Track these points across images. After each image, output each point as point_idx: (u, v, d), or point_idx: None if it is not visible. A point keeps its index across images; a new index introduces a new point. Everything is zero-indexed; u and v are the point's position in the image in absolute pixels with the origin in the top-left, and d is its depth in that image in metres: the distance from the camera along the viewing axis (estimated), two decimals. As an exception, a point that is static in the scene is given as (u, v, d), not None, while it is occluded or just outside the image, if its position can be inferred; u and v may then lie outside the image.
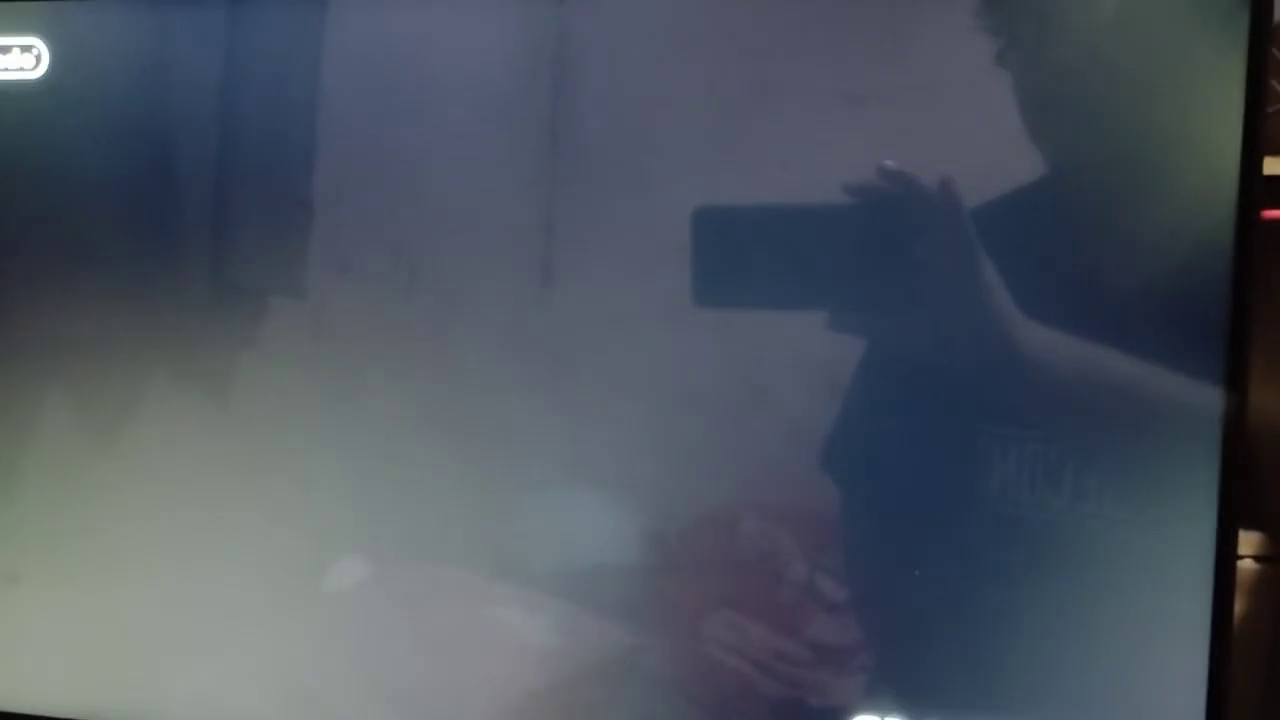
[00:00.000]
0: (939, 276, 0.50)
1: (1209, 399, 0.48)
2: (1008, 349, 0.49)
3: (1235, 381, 0.48)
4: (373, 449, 0.56)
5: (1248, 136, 0.47)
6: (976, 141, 0.50)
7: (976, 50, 0.49)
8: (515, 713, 0.56)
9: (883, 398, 0.51)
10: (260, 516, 0.58)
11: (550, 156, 0.54)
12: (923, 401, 0.51)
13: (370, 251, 0.56)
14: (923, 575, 0.51)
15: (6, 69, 0.59)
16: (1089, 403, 0.49)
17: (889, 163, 0.49)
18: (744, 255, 0.52)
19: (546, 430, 0.54)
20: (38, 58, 0.59)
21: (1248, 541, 0.82)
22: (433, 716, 0.57)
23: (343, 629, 0.58)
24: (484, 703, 0.56)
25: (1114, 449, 0.49)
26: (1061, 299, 0.49)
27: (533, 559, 0.55)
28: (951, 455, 0.51)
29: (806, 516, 0.53)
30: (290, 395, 0.57)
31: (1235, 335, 0.47)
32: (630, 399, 0.53)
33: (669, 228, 0.52)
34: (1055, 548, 0.49)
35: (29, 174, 0.59)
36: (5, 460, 0.60)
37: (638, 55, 0.53)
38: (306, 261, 0.56)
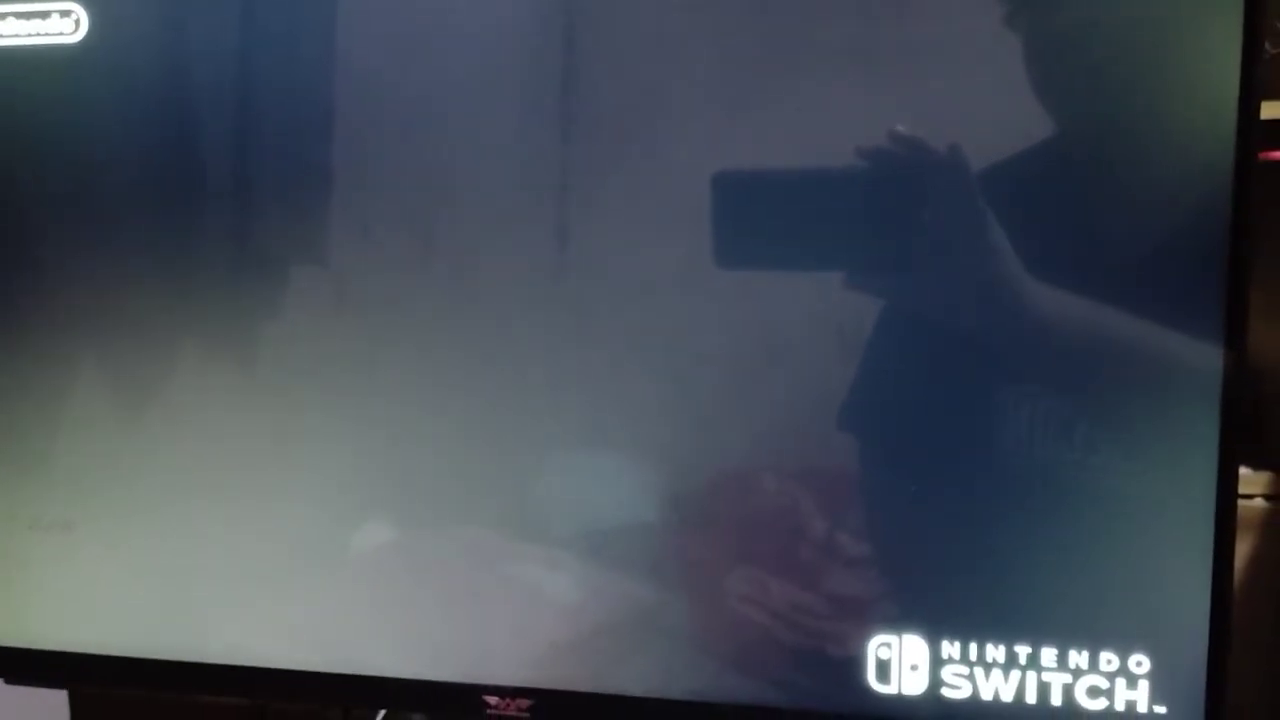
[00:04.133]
0: (950, 236, 0.50)
1: (1210, 342, 0.49)
2: (1017, 307, 0.50)
3: (1235, 321, 0.48)
4: (396, 412, 0.57)
5: (1246, 79, 0.47)
6: (988, 102, 0.50)
7: (988, 12, 0.49)
8: (538, 664, 0.56)
9: (898, 356, 0.52)
10: (292, 475, 0.59)
11: (564, 121, 0.54)
12: (936, 359, 0.52)
13: (389, 218, 0.56)
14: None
15: (45, 34, 0.58)
16: (1098, 350, 0.50)
17: (900, 127, 0.50)
18: (758, 217, 0.52)
19: (566, 391, 0.55)
20: (76, 22, 0.58)
21: (1258, 481, 0.83)
22: (457, 667, 0.57)
23: (369, 584, 0.58)
24: (507, 655, 0.56)
25: (1122, 397, 0.50)
26: (1071, 250, 0.50)
27: (554, 518, 0.56)
28: (964, 411, 0.51)
29: (823, 473, 0.54)
30: (316, 357, 0.58)
31: (1235, 276, 0.48)
32: (648, 360, 0.54)
33: (683, 191, 0.52)
34: (1067, 495, 0.50)
35: (67, 139, 0.59)
36: (52, 419, 0.61)
37: (650, 20, 0.53)
38: (328, 229, 0.57)
